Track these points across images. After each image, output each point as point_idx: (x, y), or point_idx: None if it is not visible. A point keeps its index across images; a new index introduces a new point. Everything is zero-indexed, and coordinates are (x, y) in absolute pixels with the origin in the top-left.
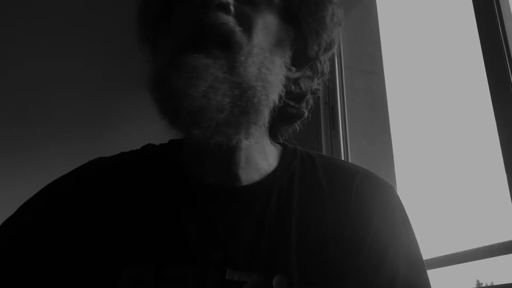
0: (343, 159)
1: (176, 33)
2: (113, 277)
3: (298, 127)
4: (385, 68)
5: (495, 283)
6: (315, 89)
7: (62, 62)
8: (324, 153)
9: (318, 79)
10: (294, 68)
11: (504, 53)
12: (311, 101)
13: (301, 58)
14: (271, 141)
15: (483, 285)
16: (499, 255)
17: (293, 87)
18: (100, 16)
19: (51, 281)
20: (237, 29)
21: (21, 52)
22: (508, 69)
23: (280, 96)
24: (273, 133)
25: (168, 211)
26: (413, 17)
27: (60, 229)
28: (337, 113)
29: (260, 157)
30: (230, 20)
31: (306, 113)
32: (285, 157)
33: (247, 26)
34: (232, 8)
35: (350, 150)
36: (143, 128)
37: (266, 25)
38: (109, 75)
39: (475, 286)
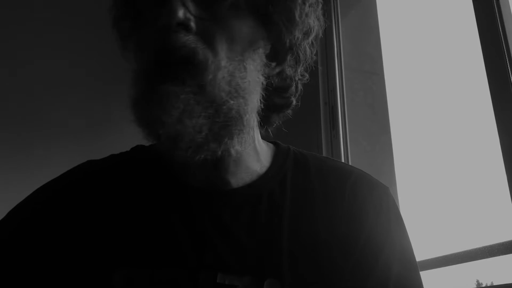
0: (343, 159)
1: (140, 56)
2: (105, 280)
3: (289, 116)
4: (385, 68)
5: (495, 283)
6: (300, 77)
7: (61, 64)
8: (324, 153)
9: (302, 66)
10: (273, 64)
11: (504, 53)
12: (299, 87)
13: (280, 52)
14: (263, 139)
15: (483, 285)
16: (499, 255)
17: (276, 80)
18: (98, 17)
19: (42, 285)
20: (199, 47)
21: (20, 54)
22: (508, 69)
23: (262, 97)
24: (263, 125)
25: (159, 214)
26: (413, 17)
27: (51, 233)
28: (337, 113)
29: (251, 159)
30: (190, 41)
31: (294, 102)
32: (278, 157)
33: (211, 42)
34: (193, 25)
35: (350, 150)
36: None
37: (232, 35)
38: (107, 76)
39: (475, 286)
